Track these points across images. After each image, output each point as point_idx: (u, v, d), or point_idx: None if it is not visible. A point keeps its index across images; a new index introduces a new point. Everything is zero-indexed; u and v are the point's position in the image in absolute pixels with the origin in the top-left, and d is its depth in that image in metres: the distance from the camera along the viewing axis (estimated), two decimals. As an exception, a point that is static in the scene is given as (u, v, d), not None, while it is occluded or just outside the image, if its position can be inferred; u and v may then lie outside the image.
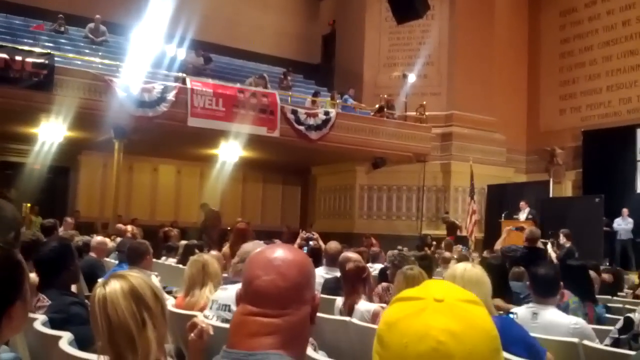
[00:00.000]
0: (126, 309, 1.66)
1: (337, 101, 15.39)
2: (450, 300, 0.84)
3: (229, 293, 3.36)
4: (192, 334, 2.22)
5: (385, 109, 15.48)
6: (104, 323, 1.63)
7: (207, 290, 3.61)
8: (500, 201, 14.46)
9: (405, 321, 0.83)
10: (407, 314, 0.84)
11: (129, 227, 10.25)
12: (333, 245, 5.88)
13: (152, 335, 1.66)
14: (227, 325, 2.67)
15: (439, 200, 16.09)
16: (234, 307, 3.27)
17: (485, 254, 9.97)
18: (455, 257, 8.32)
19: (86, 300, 3.35)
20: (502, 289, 3.73)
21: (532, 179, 16.84)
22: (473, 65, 16.50)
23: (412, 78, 16.30)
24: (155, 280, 4.55)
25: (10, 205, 1.90)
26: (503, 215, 12.72)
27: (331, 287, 4.72)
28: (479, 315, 0.84)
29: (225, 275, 4.04)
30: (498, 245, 7.77)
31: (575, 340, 3.01)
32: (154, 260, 7.68)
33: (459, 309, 0.83)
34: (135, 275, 1.76)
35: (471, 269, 2.97)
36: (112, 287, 1.69)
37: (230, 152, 14.23)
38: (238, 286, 3.42)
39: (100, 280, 5.08)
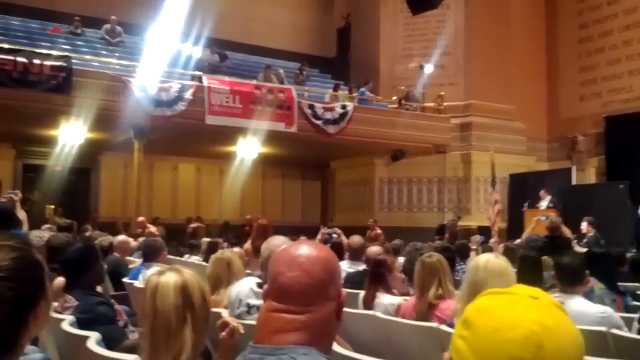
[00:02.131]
0: (172, 302, 1.69)
1: (354, 94, 15.34)
2: (544, 301, 0.86)
3: (238, 287, 3.38)
4: (224, 333, 2.23)
5: (404, 101, 15.40)
6: (149, 311, 1.69)
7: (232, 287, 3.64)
8: (522, 190, 14.32)
9: (498, 309, 0.85)
10: (501, 304, 0.86)
11: (152, 228, 10.35)
12: (356, 239, 5.95)
13: (189, 335, 1.68)
14: (244, 321, 2.70)
15: (460, 191, 15.97)
16: (246, 301, 3.30)
17: (508, 244, 9.85)
18: (474, 247, 8.23)
19: (112, 300, 3.39)
20: (536, 280, 3.68)
21: (555, 167, 16.62)
22: (490, 54, 16.33)
23: (429, 69, 16.18)
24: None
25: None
26: (525, 204, 12.59)
27: (355, 280, 4.73)
28: (569, 321, 0.86)
29: (247, 271, 4.06)
30: (525, 235, 7.71)
31: (604, 329, 2.96)
32: (179, 258, 7.77)
33: (552, 310, 0.85)
34: (191, 274, 1.79)
35: (494, 259, 2.95)
36: (166, 278, 1.74)
37: (248, 149, 14.26)
38: (246, 281, 3.37)
39: (124, 279, 5.16)
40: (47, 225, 8.91)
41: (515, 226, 12.99)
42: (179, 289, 1.71)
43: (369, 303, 3.81)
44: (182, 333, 1.67)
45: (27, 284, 1.13)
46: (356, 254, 5.76)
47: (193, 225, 12.19)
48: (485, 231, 12.78)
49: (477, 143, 15.80)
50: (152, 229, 10.21)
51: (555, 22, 18.31)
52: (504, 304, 0.85)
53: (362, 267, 5.40)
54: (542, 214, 10.19)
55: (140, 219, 11.13)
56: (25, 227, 5.80)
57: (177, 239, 11.10)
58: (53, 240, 4.67)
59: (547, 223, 7.10)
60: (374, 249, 5.21)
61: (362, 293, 3.98)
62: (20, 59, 10.65)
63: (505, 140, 16.04)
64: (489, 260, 2.93)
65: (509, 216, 14.79)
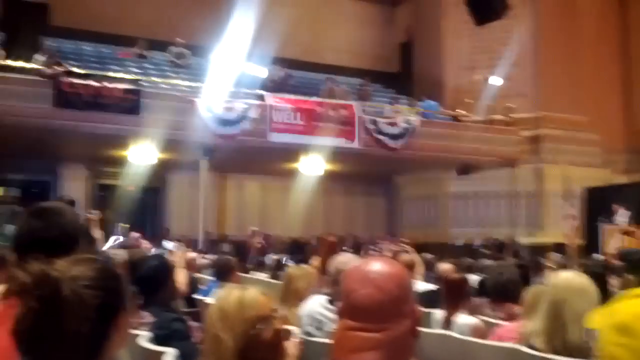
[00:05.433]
0: (229, 321, 1.66)
1: (418, 108, 15.15)
2: None
3: (308, 304, 3.33)
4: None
5: (464, 113, 15.14)
6: (207, 329, 1.68)
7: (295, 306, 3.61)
8: (598, 205, 13.66)
9: None
10: None
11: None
12: (427, 257, 5.91)
13: (249, 356, 1.60)
14: (315, 338, 2.60)
15: (533, 206, 15.43)
16: (317, 317, 3.22)
17: (585, 260, 9.36)
18: (550, 265, 7.87)
19: (185, 316, 3.39)
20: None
21: (633, 179, 15.79)
22: (560, 64, 15.81)
23: (495, 81, 15.80)
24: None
25: (71, 209, 1.90)
26: (600, 219, 12.01)
27: (427, 299, 4.60)
28: None
29: (316, 288, 4.03)
30: (612, 250, 7.34)
31: None
32: (245, 275, 7.78)
33: None
34: (254, 293, 1.73)
35: (574, 277, 2.80)
36: (226, 297, 1.71)
37: (311, 166, 14.30)
38: (316, 298, 3.27)
39: (197, 296, 5.18)
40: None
41: (592, 242, 12.40)
42: (237, 308, 1.64)
43: (447, 323, 3.71)
44: (238, 353, 1.59)
45: (109, 294, 1.20)
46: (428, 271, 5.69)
47: (257, 240, 12.35)
48: (561, 248, 12.25)
49: (549, 156, 15.28)
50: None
51: (628, 28, 17.60)
52: None
53: (432, 285, 5.29)
54: (625, 230, 9.66)
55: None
56: (100, 246, 5.95)
57: (243, 255, 11.18)
58: (133, 255, 4.73)
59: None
60: (445, 267, 5.13)
61: (436, 312, 3.90)
62: (92, 83, 11.08)
63: (578, 153, 15.43)
64: (569, 279, 2.77)
65: (584, 232, 14.15)
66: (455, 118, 15.30)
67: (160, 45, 15.68)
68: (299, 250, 13.24)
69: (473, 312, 3.93)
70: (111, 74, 12.12)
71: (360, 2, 20.09)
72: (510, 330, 3.38)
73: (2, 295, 1.90)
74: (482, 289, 4.10)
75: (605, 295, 3.09)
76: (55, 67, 11.21)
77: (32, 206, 1.84)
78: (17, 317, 1.15)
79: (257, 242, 12.84)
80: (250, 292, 1.71)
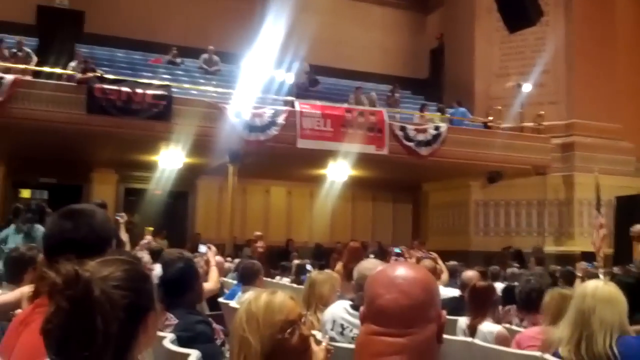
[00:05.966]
0: (254, 325, 1.66)
1: (447, 115, 15.05)
2: None
3: (332, 309, 3.34)
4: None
5: (494, 120, 14.98)
6: (234, 332, 1.68)
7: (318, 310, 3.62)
8: (630, 214, 13.36)
9: None
10: None
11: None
12: (451, 263, 5.87)
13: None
14: (337, 343, 2.61)
15: (562, 215, 15.17)
16: (340, 322, 3.21)
17: (615, 270, 9.19)
18: (580, 275, 7.76)
19: (209, 319, 3.42)
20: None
21: (668, 189, 15.43)
22: (594, 71, 15.52)
23: (527, 87, 15.61)
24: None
25: (102, 211, 1.93)
26: (632, 229, 11.75)
27: (451, 306, 4.58)
28: None
29: (338, 293, 4.05)
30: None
31: None
32: (269, 279, 7.81)
33: None
34: (282, 297, 1.73)
35: (603, 286, 2.76)
36: (255, 301, 1.70)
37: (339, 172, 14.28)
38: (340, 303, 3.29)
39: (220, 299, 5.24)
40: (144, 242, 9.24)
41: (622, 252, 12.15)
42: (266, 312, 1.65)
43: (471, 330, 3.68)
44: (265, 357, 1.60)
45: (138, 294, 1.21)
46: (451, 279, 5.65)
47: (259, 245, 12.61)
48: (589, 257, 12.04)
49: (580, 164, 14.99)
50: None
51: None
52: None
53: (456, 292, 5.26)
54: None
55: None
56: (127, 248, 6.04)
57: (270, 260, 11.26)
58: (166, 255, 4.80)
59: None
60: (470, 274, 5.09)
61: (461, 319, 3.87)
62: (124, 89, 11.28)
63: (611, 161, 15.13)
64: (597, 287, 2.74)
65: (615, 241, 13.88)
66: (486, 125, 15.15)
67: (192, 52, 15.91)
68: (322, 255, 13.27)
69: (499, 320, 3.90)
70: (143, 80, 12.32)
71: (390, 9, 20.07)
72: (530, 337, 3.36)
73: (31, 295, 1.96)
74: (507, 297, 4.06)
75: (636, 306, 3.04)
76: (88, 73, 11.45)
77: (63, 208, 1.86)
78: (46, 316, 1.17)
79: (259, 246, 12.91)
80: (278, 296, 1.71)
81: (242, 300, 1.77)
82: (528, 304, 3.70)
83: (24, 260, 3.57)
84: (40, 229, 6.67)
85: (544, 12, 11.57)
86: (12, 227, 6.89)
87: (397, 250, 8.87)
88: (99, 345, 1.13)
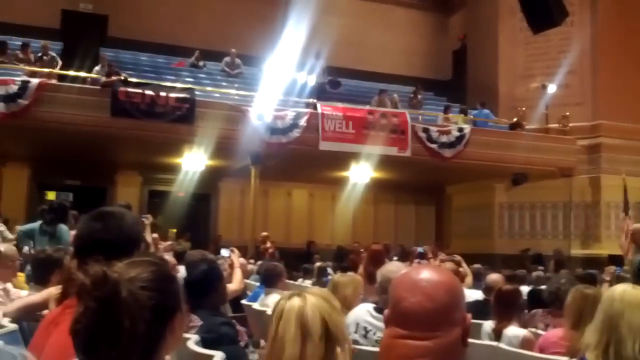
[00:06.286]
0: (292, 330, 1.64)
1: (471, 116, 14.92)
2: None
3: (355, 312, 3.28)
4: None
5: (520, 122, 14.81)
6: (271, 336, 1.65)
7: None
8: (658, 216, 13.14)
9: None
10: None
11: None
12: (475, 266, 5.79)
13: None
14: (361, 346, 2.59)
15: (589, 217, 14.95)
16: (364, 325, 3.19)
17: (622, 273, 9.00)
18: (607, 279, 7.61)
19: (233, 320, 3.43)
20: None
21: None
22: (621, 71, 15.27)
23: (552, 88, 15.42)
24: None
25: (131, 214, 1.95)
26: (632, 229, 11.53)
27: (475, 309, 4.53)
28: None
29: (361, 296, 4.03)
30: None
31: None
32: (292, 282, 7.81)
33: None
34: (316, 301, 1.71)
35: (632, 290, 2.68)
36: (290, 304, 1.68)
37: (361, 174, 14.24)
38: (363, 306, 3.25)
39: (243, 301, 5.25)
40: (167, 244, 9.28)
41: (652, 256, 11.90)
42: (298, 317, 1.64)
43: (496, 334, 3.65)
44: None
45: (165, 295, 1.22)
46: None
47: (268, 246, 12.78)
48: (617, 261, 11.82)
49: (607, 166, 14.77)
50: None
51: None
52: None
53: (480, 296, 5.20)
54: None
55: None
56: (152, 250, 6.07)
57: (291, 262, 11.24)
58: (189, 257, 4.83)
59: None
60: (494, 277, 5.02)
61: (486, 323, 3.83)
62: (147, 92, 11.37)
63: (638, 163, 14.87)
64: (625, 291, 2.66)
65: (642, 244, 13.61)
66: (513, 126, 14.96)
67: (214, 56, 16.01)
68: (344, 258, 13.22)
69: (525, 324, 3.85)
70: (166, 83, 12.44)
71: (412, 10, 20.00)
72: (553, 342, 3.31)
73: (58, 296, 1.97)
74: (533, 301, 4.00)
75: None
76: (112, 77, 11.60)
77: (93, 210, 1.89)
78: (75, 316, 1.18)
79: (267, 247, 12.92)
80: (308, 299, 1.70)
81: (277, 301, 1.74)
82: (557, 307, 3.65)
83: (51, 261, 3.62)
84: (64, 228, 6.74)
85: (569, 12, 11.43)
86: (39, 223, 6.97)
87: (420, 250, 8.85)
88: (126, 345, 1.14)
